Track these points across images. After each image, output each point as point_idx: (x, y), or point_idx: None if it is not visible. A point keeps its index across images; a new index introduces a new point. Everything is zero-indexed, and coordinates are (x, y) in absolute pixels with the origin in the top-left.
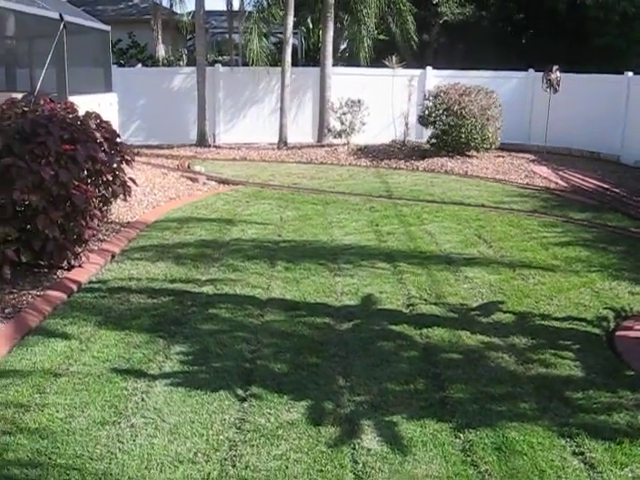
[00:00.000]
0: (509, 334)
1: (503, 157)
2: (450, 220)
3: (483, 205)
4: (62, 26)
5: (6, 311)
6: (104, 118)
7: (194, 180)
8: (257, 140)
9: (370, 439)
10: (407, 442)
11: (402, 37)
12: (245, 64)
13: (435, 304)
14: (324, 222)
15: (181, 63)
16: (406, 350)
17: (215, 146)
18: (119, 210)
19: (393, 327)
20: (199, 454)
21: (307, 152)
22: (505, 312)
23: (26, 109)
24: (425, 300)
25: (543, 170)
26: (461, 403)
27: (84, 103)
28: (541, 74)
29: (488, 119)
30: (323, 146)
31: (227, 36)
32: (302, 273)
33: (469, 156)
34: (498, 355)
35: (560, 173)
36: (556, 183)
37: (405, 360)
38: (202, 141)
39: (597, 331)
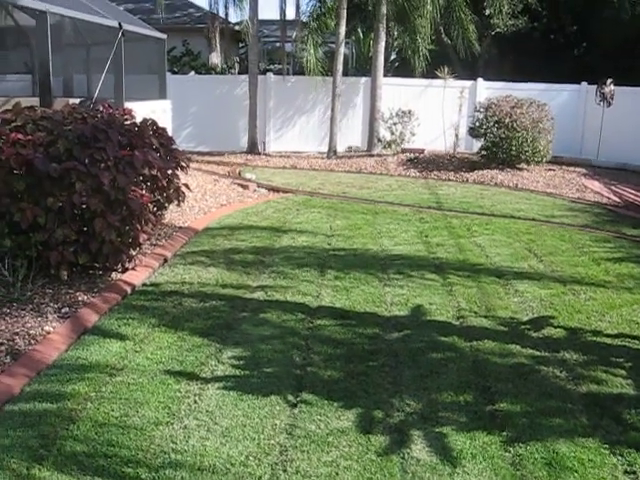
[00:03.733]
0: (560, 349)
1: (554, 170)
2: (500, 233)
3: (534, 219)
4: (120, 34)
5: (63, 311)
6: (159, 124)
7: (245, 187)
8: (306, 149)
9: (419, 449)
10: (457, 454)
11: (462, 45)
12: (296, 73)
13: (485, 317)
14: (373, 232)
15: (233, 71)
16: (456, 362)
17: (265, 154)
18: (171, 215)
19: (443, 339)
20: (250, 457)
21: (356, 161)
22: (556, 327)
23: (85, 115)
24: (475, 313)
25: (595, 185)
26: (511, 417)
27: (139, 109)
28: (594, 87)
29: (540, 132)
30: (372, 156)
31: (277, 44)
32: (352, 282)
33: (519, 169)
34: (548, 370)
35: (613, 188)
36: (608, 198)
37: (454, 372)
38: (252, 149)
39: None
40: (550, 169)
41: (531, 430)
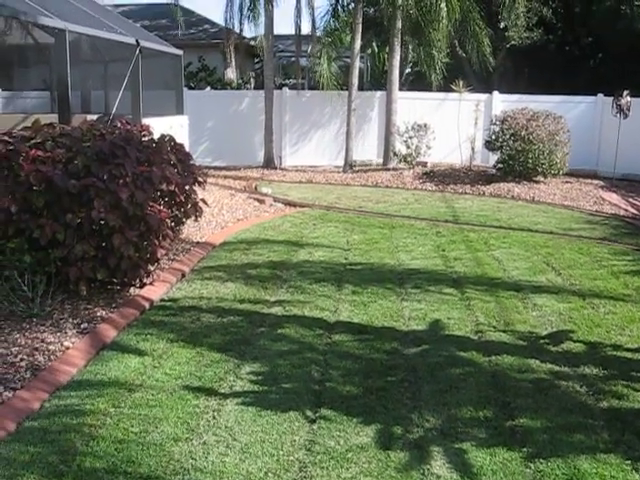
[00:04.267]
0: (579, 364)
1: (571, 183)
2: (518, 246)
3: (551, 232)
4: (138, 51)
5: (82, 326)
6: (176, 140)
7: (261, 202)
8: (322, 163)
9: (439, 465)
10: (477, 470)
11: (478, 59)
12: (311, 87)
13: (504, 331)
14: (390, 246)
15: (249, 86)
16: (474, 377)
17: (281, 168)
18: (189, 230)
19: (461, 353)
20: (270, 474)
21: (372, 175)
22: (575, 341)
23: (104, 131)
24: (493, 327)
25: (613, 197)
26: (531, 432)
27: (157, 125)
28: (610, 99)
29: (556, 144)
30: (388, 169)
31: (293, 59)
32: (369, 297)
33: (536, 182)
34: (568, 385)
35: (630, 200)
36: (626, 210)
37: (474, 387)
38: (268, 163)
39: None
40: (567, 181)
41: (552, 446)
